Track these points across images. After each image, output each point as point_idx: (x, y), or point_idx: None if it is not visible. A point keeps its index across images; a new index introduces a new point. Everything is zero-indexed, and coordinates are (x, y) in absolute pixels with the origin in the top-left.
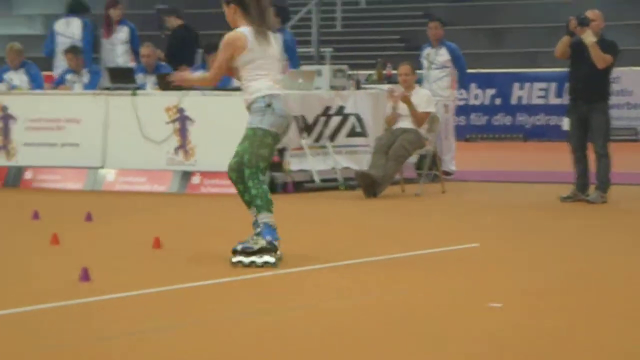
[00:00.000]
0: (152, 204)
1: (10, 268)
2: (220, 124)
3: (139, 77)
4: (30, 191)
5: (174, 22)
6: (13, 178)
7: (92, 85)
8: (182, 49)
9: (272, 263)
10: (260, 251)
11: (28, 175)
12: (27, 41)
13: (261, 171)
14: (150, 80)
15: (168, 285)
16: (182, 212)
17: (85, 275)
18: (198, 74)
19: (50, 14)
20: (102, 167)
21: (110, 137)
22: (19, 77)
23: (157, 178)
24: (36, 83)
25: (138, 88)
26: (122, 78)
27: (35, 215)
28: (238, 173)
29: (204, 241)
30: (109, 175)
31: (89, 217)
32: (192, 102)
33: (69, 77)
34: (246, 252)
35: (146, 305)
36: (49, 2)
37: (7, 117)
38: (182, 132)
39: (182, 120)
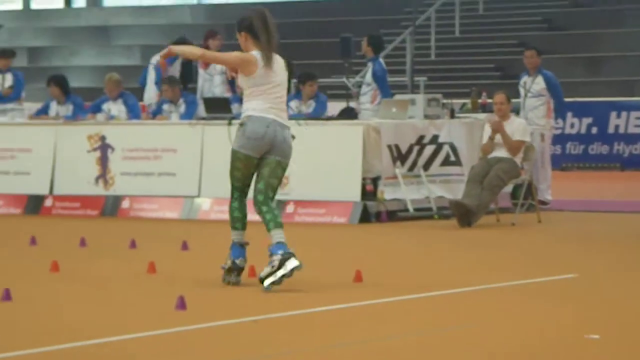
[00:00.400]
0: (247, 232)
1: (108, 296)
2: (314, 153)
3: (235, 107)
4: (128, 220)
5: None
6: (111, 207)
7: (188, 115)
8: None
9: (298, 266)
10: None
11: (125, 204)
12: (125, 72)
13: (235, 190)
14: None
15: (263, 314)
16: None
17: (181, 304)
18: (188, 47)
19: (148, 44)
20: (197, 196)
21: (205, 166)
22: (117, 107)
23: (251, 207)
24: (134, 113)
25: (233, 118)
26: (218, 108)
27: (133, 244)
28: None
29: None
30: (205, 204)
31: (185, 246)
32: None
33: (165, 107)
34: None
35: (239, 335)
36: (147, 33)
37: (106, 147)
38: None
39: None
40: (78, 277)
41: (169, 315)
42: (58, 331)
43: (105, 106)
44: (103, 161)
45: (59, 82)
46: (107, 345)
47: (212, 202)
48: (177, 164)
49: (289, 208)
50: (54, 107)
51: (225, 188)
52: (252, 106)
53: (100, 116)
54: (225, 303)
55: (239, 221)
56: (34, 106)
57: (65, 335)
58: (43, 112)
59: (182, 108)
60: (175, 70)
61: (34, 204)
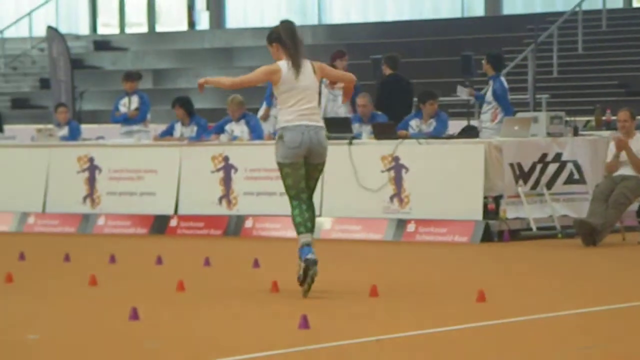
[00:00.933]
0: (368, 251)
1: (232, 315)
2: (435, 172)
3: (355, 127)
4: (251, 239)
5: (385, 70)
6: (234, 227)
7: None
8: (392, 98)
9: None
10: (305, 271)
11: (248, 223)
12: (248, 93)
13: (292, 198)
14: (366, 129)
15: (385, 333)
16: (398, 260)
17: (304, 323)
18: (221, 78)
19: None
20: (319, 216)
21: (327, 186)
22: (239, 128)
23: (372, 226)
24: (256, 134)
25: (354, 137)
26: (339, 127)
27: (256, 263)
28: None
29: (421, 289)
30: (326, 223)
31: None
32: (407, 150)
33: None
34: (301, 280)
35: (362, 355)
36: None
37: (229, 167)
38: (397, 181)
39: (397, 169)
40: (203, 297)
41: (292, 334)
42: (185, 350)
43: (228, 127)
44: (226, 181)
45: (184, 103)
46: None
47: (333, 222)
48: None
49: (410, 227)
50: (178, 129)
51: (346, 207)
52: (285, 118)
53: (223, 137)
54: (348, 322)
55: (302, 225)
56: (159, 127)
57: (192, 354)
58: (168, 133)
59: None
60: None
61: (159, 224)
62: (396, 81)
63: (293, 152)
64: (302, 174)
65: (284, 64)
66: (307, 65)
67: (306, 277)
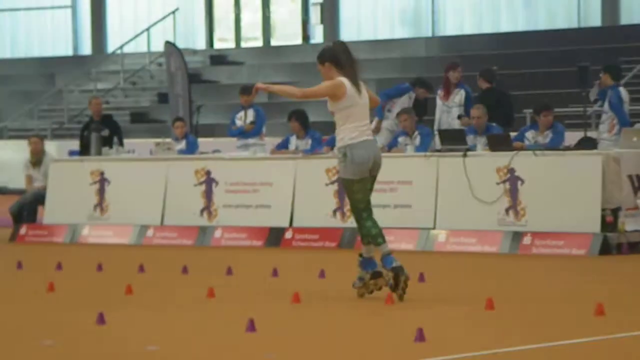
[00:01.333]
0: (483, 264)
1: (347, 328)
2: (551, 184)
3: (469, 139)
4: None
5: (481, 84)
6: (349, 239)
7: (423, 147)
8: (490, 111)
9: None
10: (396, 279)
11: None
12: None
13: (363, 211)
14: (481, 141)
15: (502, 347)
16: (514, 272)
17: (420, 336)
18: (284, 86)
19: (383, 78)
20: (433, 228)
21: (441, 198)
22: None
23: (487, 239)
24: None
25: (469, 149)
26: (453, 140)
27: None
28: None
29: (537, 302)
30: (440, 236)
31: (421, 278)
32: (523, 162)
33: (400, 139)
34: (393, 288)
35: None
36: (383, 66)
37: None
38: (513, 193)
39: (512, 181)
40: (319, 308)
41: (408, 347)
42: None
43: None
44: (341, 194)
45: (299, 117)
46: None
47: (448, 234)
48: (412, 195)
49: (526, 240)
50: (293, 142)
51: (461, 219)
52: (349, 135)
53: None
54: (464, 334)
55: (380, 236)
56: (275, 141)
57: None
58: (283, 146)
59: (417, 140)
60: (404, 102)
61: (275, 237)
62: (492, 93)
63: (362, 169)
64: (369, 187)
65: (347, 80)
66: (362, 83)
67: (398, 284)
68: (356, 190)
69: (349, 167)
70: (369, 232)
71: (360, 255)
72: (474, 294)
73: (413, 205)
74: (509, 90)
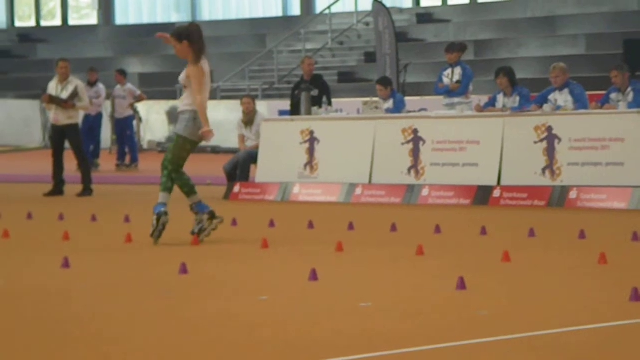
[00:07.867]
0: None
1: (559, 286)
2: None
3: None
4: (575, 211)
5: None
6: (558, 198)
7: (636, 103)
8: None
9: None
10: (210, 219)
11: (573, 194)
12: (571, 61)
13: (180, 167)
14: None
15: None
16: None
17: (635, 295)
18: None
19: (593, 33)
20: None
21: None
22: (563, 98)
23: None
24: (580, 103)
25: None
26: None
27: (582, 235)
28: None
29: None
30: None
31: (635, 237)
32: None
33: (613, 96)
34: (202, 231)
35: None
36: (593, 21)
37: (552, 138)
38: None
39: None
40: (529, 267)
41: (622, 307)
42: (510, 320)
43: (551, 97)
44: (550, 152)
45: (507, 73)
46: (544, 337)
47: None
48: (625, 153)
49: None
50: (500, 99)
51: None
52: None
53: (546, 107)
54: None
55: (194, 186)
56: (481, 99)
57: (518, 324)
58: (490, 104)
59: (630, 96)
60: None
61: (482, 195)
62: None
63: (199, 135)
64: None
65: None
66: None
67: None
68: (187, 150)
69: (193, 129)
70: (188, 183)
71: (190, 206)
72: None
73: (625, 163)
74: None
